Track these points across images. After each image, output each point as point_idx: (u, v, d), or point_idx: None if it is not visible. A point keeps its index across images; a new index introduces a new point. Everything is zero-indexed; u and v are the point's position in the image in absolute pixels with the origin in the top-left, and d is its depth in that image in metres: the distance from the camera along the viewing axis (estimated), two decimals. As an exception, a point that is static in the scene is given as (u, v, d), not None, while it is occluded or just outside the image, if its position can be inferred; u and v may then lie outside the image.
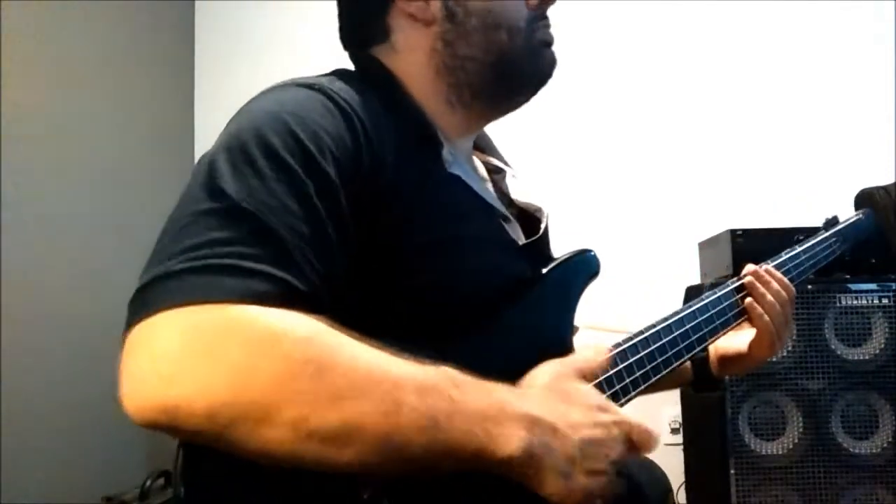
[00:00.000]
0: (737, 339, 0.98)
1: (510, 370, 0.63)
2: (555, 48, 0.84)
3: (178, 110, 2.41)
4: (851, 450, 1.62)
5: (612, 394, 0.72)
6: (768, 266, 0.96)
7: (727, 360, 0.99)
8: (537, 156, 2.28)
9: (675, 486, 1.98)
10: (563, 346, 0.74)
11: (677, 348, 0.81)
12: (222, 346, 0.49)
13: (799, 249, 1.04)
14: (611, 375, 0.72)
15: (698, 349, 0.85)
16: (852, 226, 1.13)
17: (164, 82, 2.35)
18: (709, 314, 0.87)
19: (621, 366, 0.74)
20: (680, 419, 2.04)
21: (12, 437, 1.55)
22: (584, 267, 0.79)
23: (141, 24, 2.20)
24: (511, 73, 0.80)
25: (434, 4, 0.77)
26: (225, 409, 0.48)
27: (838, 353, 1.65)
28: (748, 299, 0.92)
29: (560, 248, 0.83)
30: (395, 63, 0.79)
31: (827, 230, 1.09)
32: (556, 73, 0.85)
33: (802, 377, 1.64)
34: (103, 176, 1.97)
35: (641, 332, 0.79)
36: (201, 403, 0.48)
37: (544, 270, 0.77)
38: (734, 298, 0.92)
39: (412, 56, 0.79)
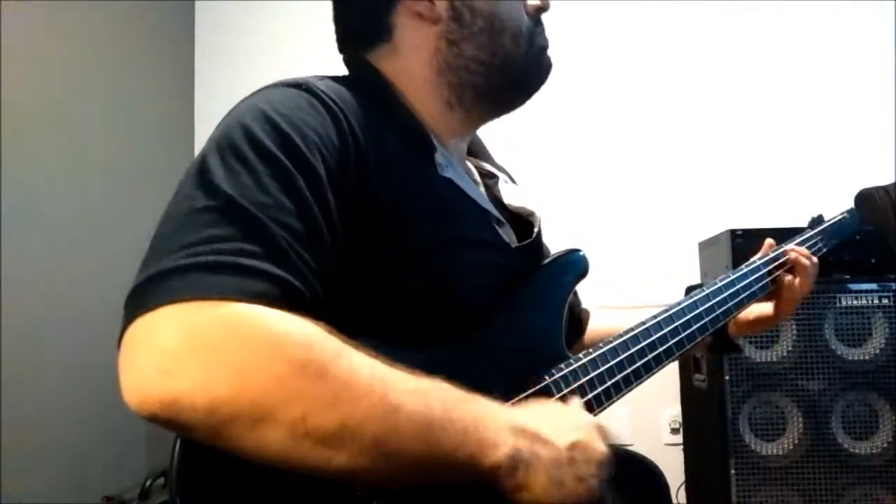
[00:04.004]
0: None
1: (502, 370, 0.63)
2: (554, 49, 0.85)
3: (178, 110, 2.41)
4: (851, 450, 1.63)
5: (644, 363, 0.78)
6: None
7: (746, 322, 1.03)
8: (538, 156, 2.29)
9: (675, 486, 1.99)
10: (553, 346, 0.74)
11: (702, 322, 0.88)
12: (224, 344, 0.50)
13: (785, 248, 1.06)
14: (642, 347, 0.79)
15: (723, 321, 0.92)
16: (837, 224, 1.14)
17: (164, 82, 2.35)
18: (736, 288, 0.95)
19: (654, 336, 0.81)
20: (680, 419, 2.05)
21: (13, 437, 1.55)
22: (572, 267, 0.79)
23: (141, 24, 2.20)
24: (515, 76, 0.81)
25: (440, 4, 0.78)
26: (225, 406, 0.49)
27: (838, 353, 1.65)
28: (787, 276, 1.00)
29: (560, 248, 0.82)
30: (394, 64, 0.79)
31: (812, 229, 1.11)
32: (557, 73, 0.86)
33: (802, 377, 1.64)
34: (103, 175, 1.97)
35: (678, 303, 0.86)
36: (202, 398, 0.48)
37: (533, 271, 0.77)
38: (763, 271, 1.00)
39: (414, 56, 0.79)
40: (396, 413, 0.53)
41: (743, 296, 0.96)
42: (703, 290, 0.91)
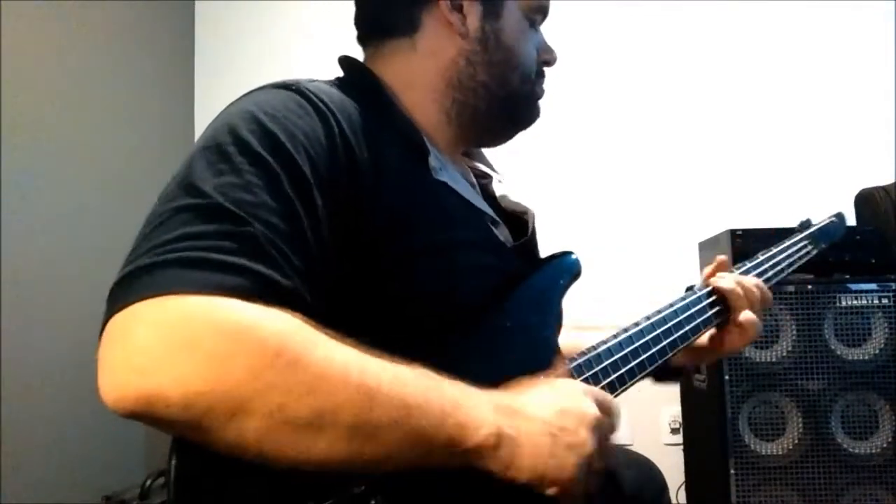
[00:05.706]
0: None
1: (496, 371, 0.63)
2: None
3: (179, 110, 2.41)
4: (851, 450, 1.62)
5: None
6: (735, 274, 0.96)
7: (693, 351, 0.95)
8: (537, 157, 2.28)
9: (675, 486, 1.99)
10: (547, 347, 0.74)
11: (650, 352, 0.81)
12: (196, 338, 0.49)
13: (775, 251, 1.06)
14: (606, 366, 0.75)
15: (670, 353, 0.84)
16: (825, 228, 1.15)
17: (165, 82, 2.35)
18: (687, 314, 0.88)
19: (617, 356, 0.76)
20: (680, 419, 2.05)
21: (12, 437, 1.55)
22: (565, 269, 0.79)
23: (141, 24, 2.20)
24: (511, 112, 0.85)
25: (472, 22, 0.80)
26: (199, 399, 0.48)
27: (838, 353, 1.65)
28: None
29: (560, 248, 0.83)
30: (402, 65, 0.80)
31: (801, 232, 1.11)
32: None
33: (802, 377, 1.64)
34: (103, 176, 1.97)
35: (626, 329, 0.81)
36: (176, 393, 0.48)
37: (528, 273, 0.77)
38: (706, 302, 0.92)
39: (430, 60, 0.80)
40: (373, 399, 0.52)
41: (678, 333, 0.86)
42: (645, 322, 0.83)
